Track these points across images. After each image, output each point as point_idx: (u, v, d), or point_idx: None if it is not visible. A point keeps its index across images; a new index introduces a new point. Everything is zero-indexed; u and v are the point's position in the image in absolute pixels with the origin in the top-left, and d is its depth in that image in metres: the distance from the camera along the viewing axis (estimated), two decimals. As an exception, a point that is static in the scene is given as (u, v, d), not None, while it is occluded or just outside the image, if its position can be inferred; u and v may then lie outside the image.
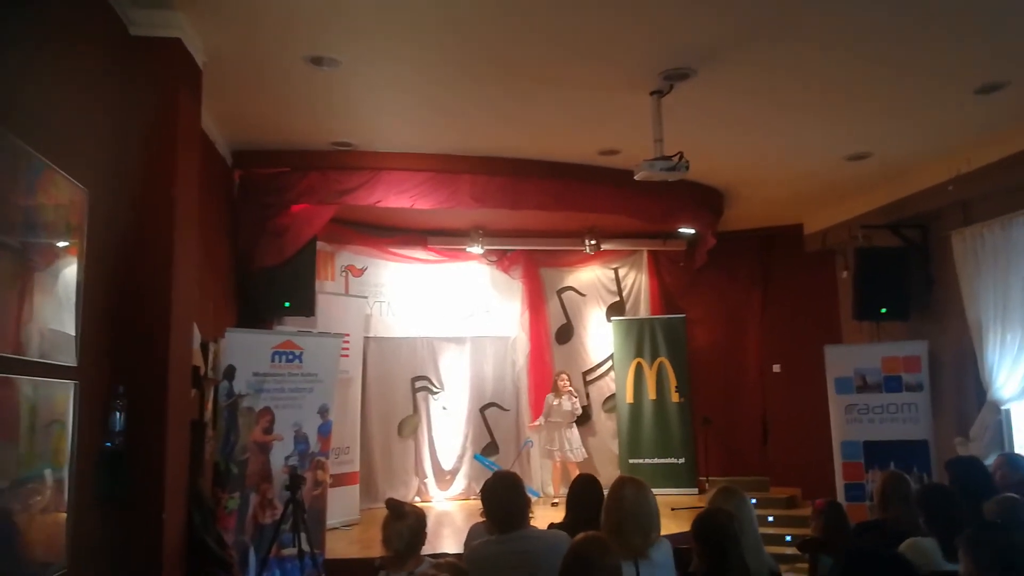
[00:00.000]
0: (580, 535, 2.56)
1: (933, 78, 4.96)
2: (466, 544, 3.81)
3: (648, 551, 3.03)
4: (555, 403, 8.69)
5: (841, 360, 7.55)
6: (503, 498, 3.19)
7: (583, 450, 8.76)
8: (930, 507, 3.56)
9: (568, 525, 3.63)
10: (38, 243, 2.85)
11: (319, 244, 7.19)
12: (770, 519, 7.66)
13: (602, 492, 4.00)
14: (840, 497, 7.20)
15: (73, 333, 3.10)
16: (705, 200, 7.79)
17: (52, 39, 3.00)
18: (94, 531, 3.24)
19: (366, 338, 8.42)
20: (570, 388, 8.81)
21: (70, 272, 3.10)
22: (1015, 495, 3.81)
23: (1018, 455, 5.34)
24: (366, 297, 8.55)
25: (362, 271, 8.79)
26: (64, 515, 3.03)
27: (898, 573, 1.86)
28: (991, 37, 4.38)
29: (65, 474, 3.03)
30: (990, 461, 5.36)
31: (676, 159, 5.05)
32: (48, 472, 2.93)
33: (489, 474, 8.14)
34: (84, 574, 3.13)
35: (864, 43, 4.46)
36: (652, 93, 5.10)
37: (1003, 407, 6.36)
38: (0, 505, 2.59)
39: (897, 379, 7.29)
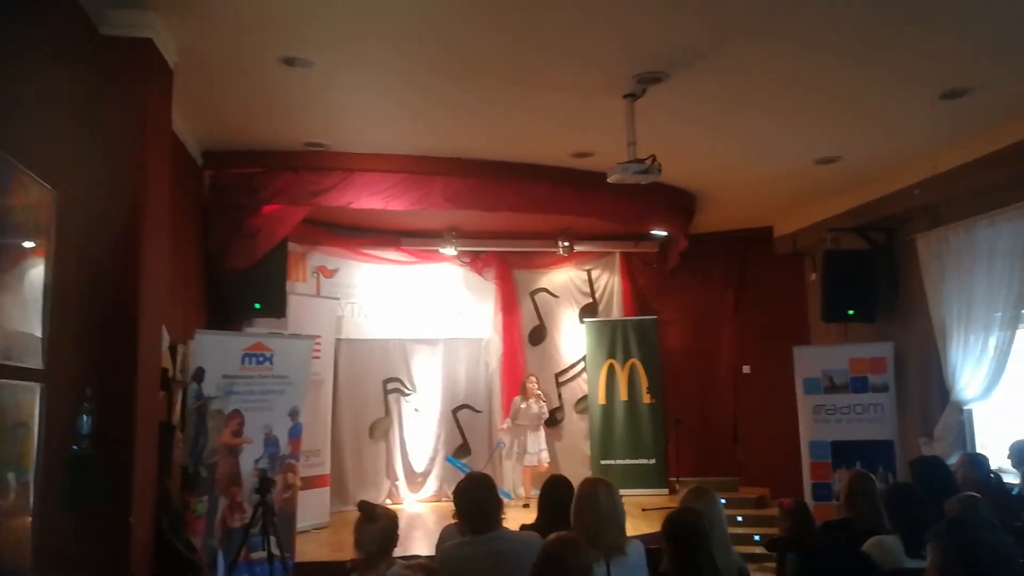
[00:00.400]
0: (552, 536, 2.58)
1: (900, 83, 5.05)
2: (438, 546, 3.81)
3: (619, 552, 3.06)
4: (523, 406, 8.74)
5: (809, 361, 7.66)
6: (476, 499, 3.20)
7: (546, 454, 8.82)
8: (895, 506, 3.63)
9: (540, 526, 3.65)
10: (4, 244, 2.80)
11: (290, 245, 7.14)
12: (739, 519, 7.74)
13: (572, 492, 4.03)
14: (808, 496, 7.31)
15: (40, 335, 3.05)
16: (677, 203, 7.87)
17: (19, 37, 2.95)
18: (60, 535, 3.19)
19: (338, 340, 8.36)
20: (538, 392, 8.88)
21: (37, 273, 3.06)
22: (975, 494, 3.91)
23: (979, 455, 5.45)
24: (338, 299, 8.49)
25: (334, 272, 8.73)
26: (29, 520, 2.98)
27: (857, 568, 1.89)
28: (956, 43, 4.48)
29: (31, 478, 2.98)
30: (953, 460, 5.48)
31: (649, 162, 5.09)
32: (12, 476, 2.88)
33: (461, 476, 8.18)
34: (50, 578, 3.08)
35: (832, 49, 4.54)
36: (625, 96, 5.14)
37: (966, 407, 6.51)
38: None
39: (863, 380, 7.42)
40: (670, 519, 2.82)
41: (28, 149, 2.91)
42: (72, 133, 3.41)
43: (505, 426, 8.89)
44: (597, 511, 3.04)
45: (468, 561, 3.03)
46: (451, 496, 8.50)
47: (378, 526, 3.37)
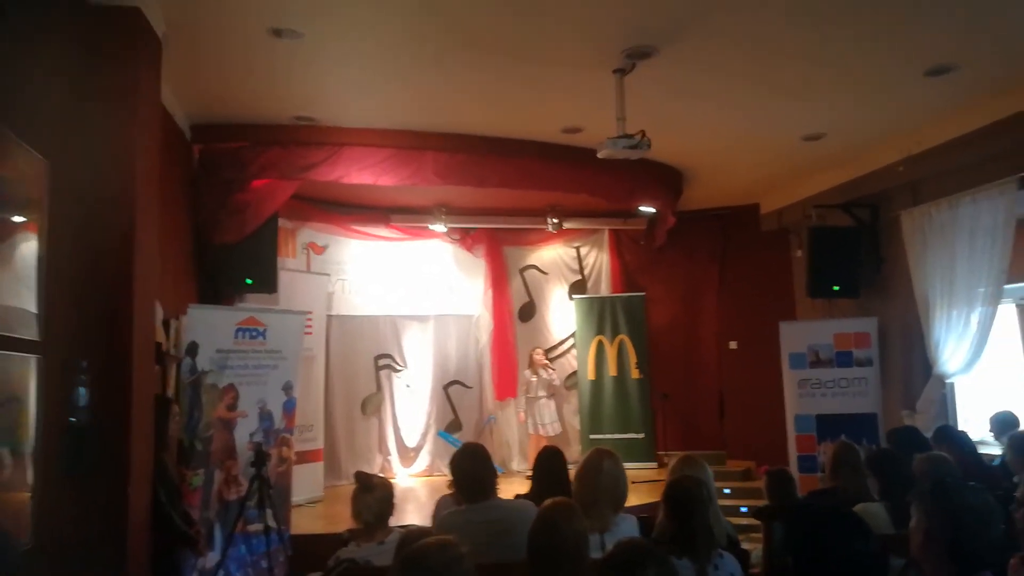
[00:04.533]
0: (548, 501, 2.63)
1: (886, 58, 5.09)
2: (434, 516, 3.88)
3: (614, 524, 3.12)
4: (533, 379, 8.89)
5: (795, 336, 7.76)
6: (471, 468, 3.25)
7: (557, 424, 9.00)
8: (880, 468, 3.74)
9: (534, 496, 3.71)
10: (2, 219, 2.79)
11: (280, 221, 7.12)
12: (726, 491, 7.86)
13: (566, 464, 4.10)
14: (793, 469, 7.43)
15: (34, 308, 3.06)
16: (666, 180, 7.91)
17: (10, 6, 2.92)
18: (58, 507, 3.21)
19: (329, 316, 8.38)
20: (545, 361, 9.09)
21: (30, 246, 3.05)
22: (943, 453, 4.03)
23: (951, 428, 5.59)
24: (328, 275, 8.50)
25: (323, 248, 8.73)
26: (27, 493, 3.00)
27: (844, 526, 1.96)
28: (943, 20, 4.51)
29: (27, 450, 3.00)
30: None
31: (638, 137, 5.12)
32: (7, 450, 2.88)
33: (453, 450, 8.28)
34: (48, 551, 3.10)
35: (820, 25, 4.57)
36: (615, 71, 5.15)
37: (948, 381, 6.63)
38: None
39: (848, 354, 7.54)
40: (671, 485, 2.89)
41: (21, 120, 2.89)
42: (63, 104, 3.38)
43: (522, 412, 9.06)
44: (598, 482, 3.10)
45: (464, 528, 3.08)
46: (445, 469, 8.64)
47: (375, 496, 3.43)
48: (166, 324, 4.97)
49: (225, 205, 6.14)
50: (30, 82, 3.11)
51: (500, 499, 3.30)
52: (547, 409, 8.99)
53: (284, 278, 7.24)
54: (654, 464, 9.06)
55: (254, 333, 5.32)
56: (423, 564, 1.85)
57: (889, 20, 4.52)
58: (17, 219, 2.97)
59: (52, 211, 3.15)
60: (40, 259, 3.09)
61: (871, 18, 4.50)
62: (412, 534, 2.65)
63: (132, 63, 3.73)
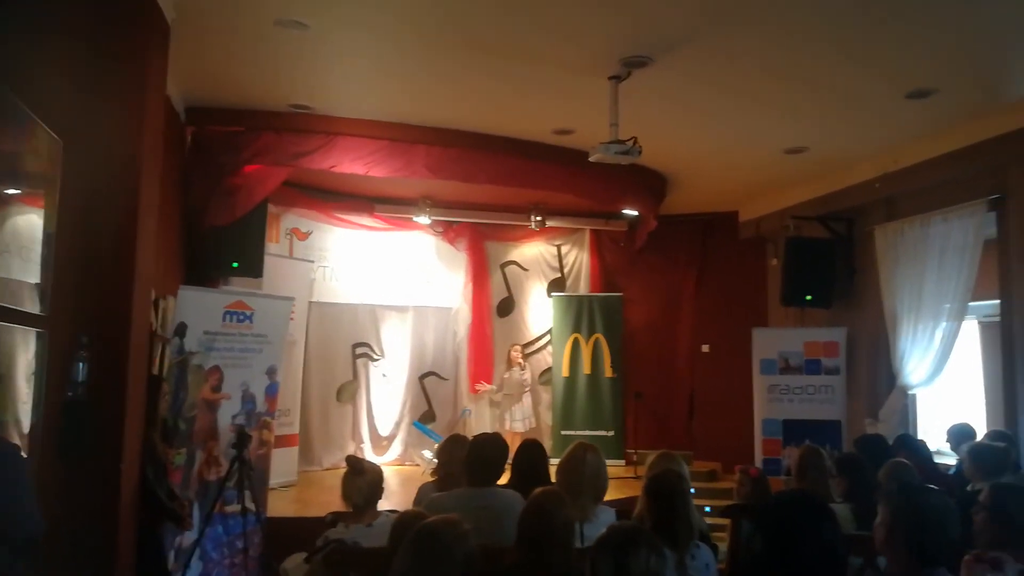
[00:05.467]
0: (539, 489, 2.76)
1: (869, 81, 5.30)
2: (416, 503, 3.99)
3: (595, 515, 3.27)
4: (506, 375, 9.04)
5: (767, 342, 7.99)
6: (488, 455, 3.38)
7: (531, 419, 9.19)
8: (851, 472, 3.94)
9: (514, 487, 3.84)
10: (18, 193, 2.85)
11: (265, 205, 7.14)
12: (692, 491, 8.03)
13: (547, 457, 4.23)
14: (759, 471, 7.66)
15: (39, 281, 3.11)
16: (650, 184, 8.08)
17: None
18: (52, 481, 3.27)
19: (310, 302, 8.43)
20: (520, 360, 9.22)
21: (39, 222, 3.10)
22: (904, 460, 4.25)
23: (911, 436, 5.86)
24: (312, 261, 8.54)
25: (307, 235, 8.76)
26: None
27: (813, 515, 2.10)
28: (926, 46, 4.73)
29: (23, 423, 3.04)
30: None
31: (630, 144, 5.26)
32: (3, 420, 2.92)
33: (428, 441, 8.36)
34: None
35: (808, 45, 4.75)
36: (611, 78, 5.28)
37: (911, 392, 6.88)
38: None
39: (817, 362, 7.78)
40: (654, 478, 3.02)
41: (39, 100, 2.94)
42: (76, 86, 3.43)
43: (491, 389, 9.18)
44: (581, 474, 3.24)
45: (453, 511, 3.21)
46: (418, 459, 8.67)
47: (365, 479, 3.54)
48: (155, 304, 5.00)
49: (216, 188, 6.17)
50: (46, 64, 3.16)
51: (494, 487, 3.42)
52: (519, 406, 9.14)
53: (268, 263, 7.24)
54: (622, 461, 9.23)
55: (241, 316, 5.38)
56: (435, 539, 1.97)
57: (875, 44, 4.72)
58: (31, 195, 3.02)
59: (64, 189, 3.20)
60: (48, 235, 3.15)
61: (858, 42, 4.69)
62: (409, 515, 2.77)
63: (143, 48, 3.79)
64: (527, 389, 9.28)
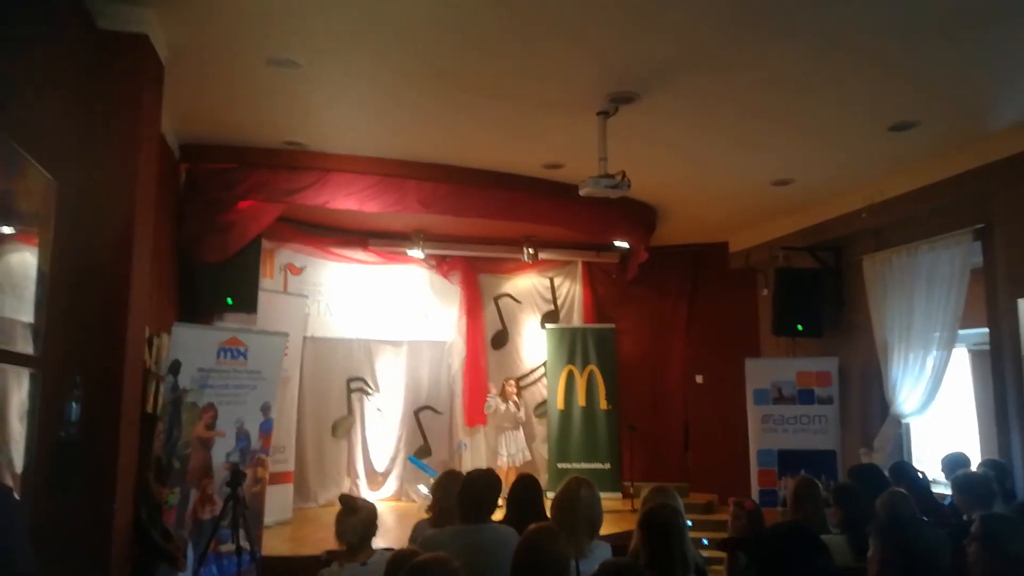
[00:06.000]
0: (533, 526, 2.75)
1: (852, 115, 5.41)
2: (411, 540, 3.96)
3: (590, 550, 3.25)
4: (502, 407, 9.05)
5: (759, 373, 8.02)
6: (480, 491, 3.37)
7: (525, 453, 9.11)
8: (847, 501, 3.94)
9: (509, 522, 3.82)
10: (11, 233, 2.88)
11: (259, 241, 7.19)
12: (689, 523, 7.98)
13: (542, 492, 4.22)
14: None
15: (32, 320, 3.12)
16: (640, 216, 8.15)
17: (24, 30, 3.02)
18: (44, 521, 3.25)
19: (304, 337, 8.43)
20: (515, 398, 9.19)
21: (33, 261, 3.12)
22: (902, 490, 4.25)
23: (907, 463, 5.86)
24: (306, 296, 8.56)
25: (301, 270, 8.80)
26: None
27: (807, 548, 2.12)
28: (906, 81, 4.83)
29: (15, 464, 3.03)
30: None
31: (619, 178, 5.33)
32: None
33: (423, 476, 8.30)
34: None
35: (791, 80, 4.84)
36: (599, 113, 5.37)
37: (904, 421, 6.89)
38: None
39: (810, 392, 7.80)
40: (650, 512, 3.01)
41: (33, 140, 2.99)
42: (71, 125, 3.48)
43: (490, 407, 9.15)
44: (575, 510, 3.23)
45: (446, 549, 3.20)
46: (413, 495, 8.60)
47: (359, 517, 3.52)
48: (149, 341, 5.00)
49: (210, 224, 6.21)
50: (41, 103, 3.21)
51: (489, 523, 3.41)
52: (513, 439, 9.11)
53: (262, 299, 7.28)
54: (619, 494, 9.20)
55: (236, 353, 5.38)
56: (425, 578, 1.96)
57: (857, 80, 4.82)
58: (24, 234, 3.05)
59: (57, 229, 3.23)
60: (42, 275, 3.17)
61: (840, 77, 4.79)
62: (402, 554, 2.76)
63: (137, 88, 3.85)
64: (521, 423, 9.23)
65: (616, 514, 7.88)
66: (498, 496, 3.54)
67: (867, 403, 7.47)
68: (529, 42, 4.39)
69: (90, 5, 3.72)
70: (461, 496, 3.40)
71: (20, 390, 3.08)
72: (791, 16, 4.04)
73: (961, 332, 6.35)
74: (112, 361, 3.60)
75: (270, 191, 6.31)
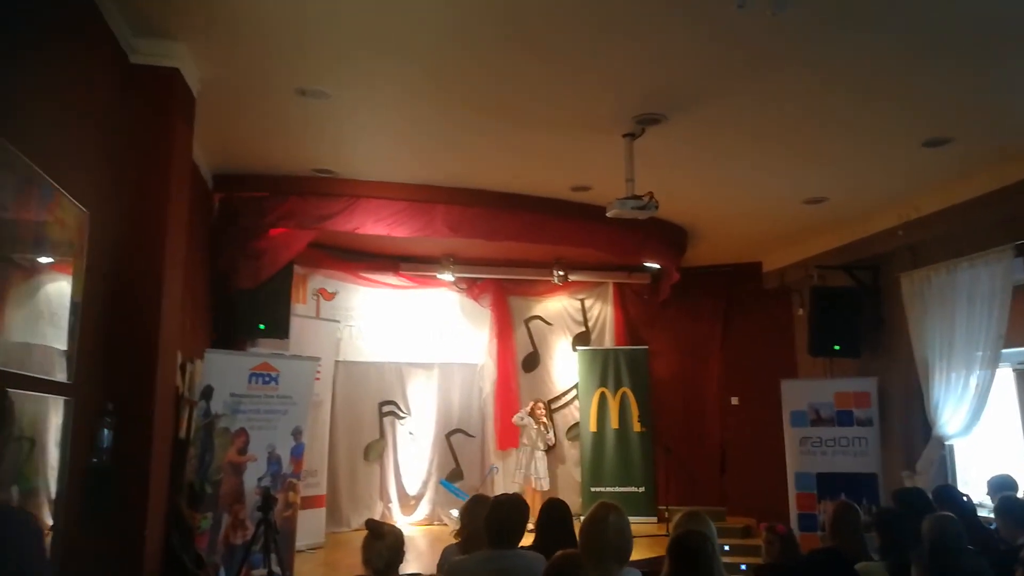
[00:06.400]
0: (558, 553, 2.71)
1: (885, 132, 5.32)
2: (439, 566, 3.93)
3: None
4: (533, 428, 8.96)
5: (796, 394, 7.85)
6: (508, 516, 3.33)
7: (547, 480, 8.97)
8: (888, 527, 3.82)
9: (538, 548, 3.77)
10: (44, 262, 2.95)
11: (291, 267, 7.29)
12: (726, 548, 7.85)
13: (572, 517, 4.16)
14: (794, 527, 7.44)
15: (66, 348, 3.19)
16: (671, 237, 8.09)
17: (59, 67, 3.13)
18: (77, 547, 3.29)
19: (336, 362, 8.49)
20: (544, 420, 9.09)
21: (66, 290, 3.20)
22: (951, 514, 4.09)
23: (951, 487, 5.67)
24: (337, 321, 8.64)
25: (333, 295, 8.89)
26: (47, 533, 3.09)
27: (840, 572, 2.05)
28: (939, 95, 4.74)
29: (43, 488, 3.08)
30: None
31: (647, 199, 5.31)
32: (15, 489, 2.96)
33: (455, 500, 8.27)
34: (66, 589, 3.18)
35: (822, 98, 4.79)
36: (625, 135, 5.36)
37: (947, 443, 6.69)
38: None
39: (849, 414, 7.61)
40: (677, 538, 2.93)
41: (66, 172, 3.07)
42: (103, 157, 3.57)
43: (519, 422, 9.05)
44: (603, 537, 3.16)
45: (474, 574, 3.16)
46: (446, 519, 8.58)
47: (385, 543, 3.49)
48: (182, 367, 5.08)
49: (243, 252, 6.32)
50: (74, 137, 3.30)
51: (516, 549, 3.37)
52: (542, 463, 9.02)
53: (294, 324, 7.36)
54: (655, 519, 9.05)
55: (267, 378, 5.44)
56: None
57: (889, 95, 4.74)
58: (59, 264, 3.13)
59: (90, 259, 3.31)
60: (75, 304, 3.24)
61: (872, 93, 4.71)
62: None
63: (169, 121, 3.95)
64: (549, 446, 9.13)
65: (651, 539, 7.76)
66: (526, 521, 3.50)
67: (909, 425, 7.26)
68: (552, 67, 4.41)
69: (123, 42, 3.83)
70: (488, 521, 3.36)
71: (56, 417, 3.15)
72: (821, 40, 4.01)
73: (1005, 351, 6.16)
74: (143, 388, 3.66)
75: (301, 218, 6.40)
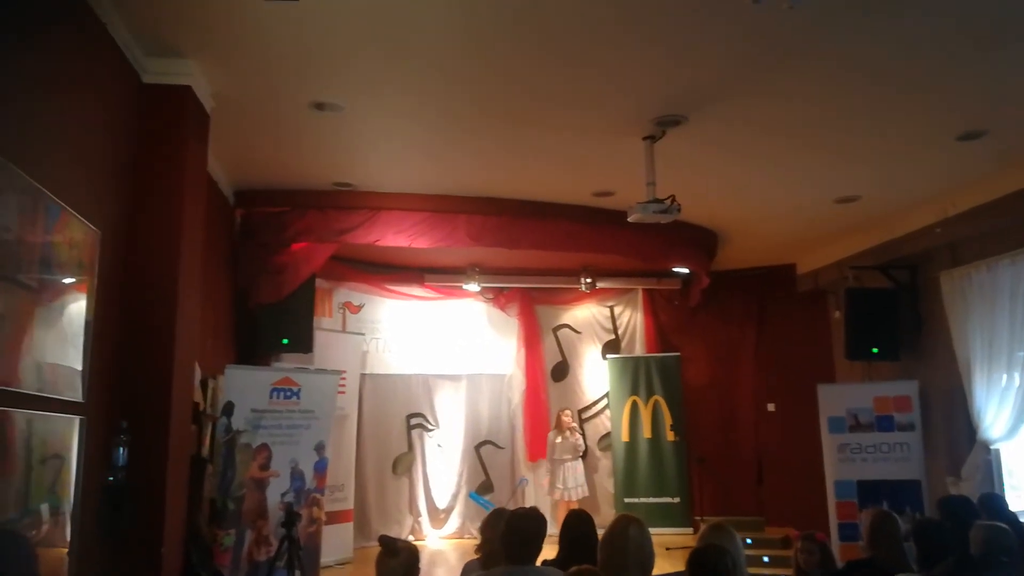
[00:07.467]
0: (572, 568, 2.62)
1: (918, 126, 5.14)
2: (461, 579, 3.86)
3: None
4: (558, 440, 8.77)
5: (834, 399, 7.61)
6: (525, 529, 3.24)
7: (584, 487, 8.82)
8: (927, 538, 3.65)
9: (561, 561, 3.67)
10: (54, 282, 2.95)
11: (317, 281, 7.29)
12: (765, 559, 7.65)
13: (595, 529, 4.05)
14: (834, 536, 7.22)
15: (79, 368, 3.19)
16: (699, 241, 7.94)
17: (70, 88, 3.14)
18: (94, 566, 3.28)
19: (362, 375, 8.47)
20: (572, 424, 8.93)
21: (79, 309, 3.20)
22: (1001, 524, 3.89)
23: (996, 494, 5.42)
24: (363, 334, 8.62)
25: (359, 308, 8.88)
26: (64, 550, 3.08)
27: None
28: (972, 87, 4.55)
29: (67, 509, 3.08)
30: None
31: (668, 202, 5.19)
32: (46, 507, 2.96)
33: (484, 512, 8.17)
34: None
35: (851, 93, 4.63)
36: (645, 138, 5.26)
37: (993, 447, 6.42)
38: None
39: (889, 419, 7.36)
40: (694, 553, 2.84)
41: (75, 192, 3.08)
42: (116, 176, 3.58)
43: (547, 477, 8.92)
44: (624, 549, 3.06)
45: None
46: (475, 532, 8.50)
47: (399, 560, 3.41)
48: (204, 383, 5.09)
49: (264, 267, 6.33)
50: (84, 157, 3.31)
51: (535, 566, 3.28)
52: (572, 473, 8.79)
53: (320, 337, 7.37)
54: (690, 530, 8.84)
55: (288, 393, 5.42)
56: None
57: (919, 90, 4.58)
58: (69, 283, 3.13)
59: (101, 278, 3.30)
60: (88, 323, 3.24)
61: (901, 86, 4.55)
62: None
63: (182, 138, 3.96)
64: (581, 453, 8.97)
65: (685, 551, 7.55)
66: (543, 535, 3.40)
67: (953, 428, 6.99)
68: (568, 70, 4.34)
69: (135, 62, 3.85)
70: (505, 536, 3.27)
71: (72, 436, 3.15)
72: (843, 31, 3.87)
73: (1051, 351, 5.91)
74: (159, 405, 3.65)
75: (321, 232, 6.41)
